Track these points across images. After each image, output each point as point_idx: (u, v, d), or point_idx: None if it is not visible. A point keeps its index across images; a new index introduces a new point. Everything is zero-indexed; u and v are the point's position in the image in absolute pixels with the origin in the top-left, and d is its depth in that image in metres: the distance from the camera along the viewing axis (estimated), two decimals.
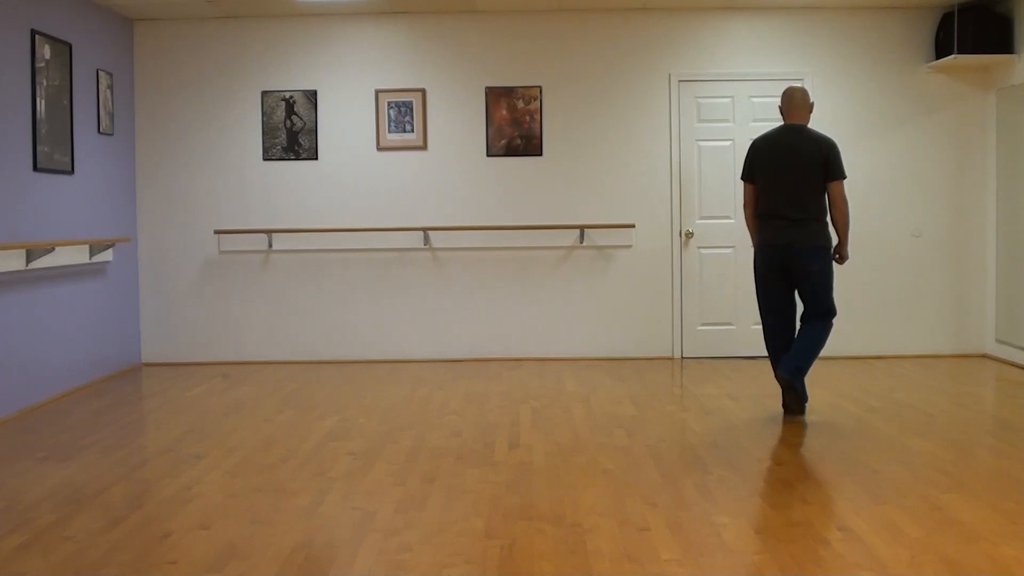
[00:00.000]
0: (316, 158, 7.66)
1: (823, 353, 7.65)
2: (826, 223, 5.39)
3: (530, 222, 7.64)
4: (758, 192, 5.48)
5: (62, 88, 6.44)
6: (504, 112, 7.61)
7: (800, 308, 6.22)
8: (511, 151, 7.60)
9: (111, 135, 7.22)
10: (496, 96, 7.61)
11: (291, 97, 7.64)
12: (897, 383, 6.52)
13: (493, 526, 3.66)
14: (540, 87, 7.60)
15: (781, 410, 5.66)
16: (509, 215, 7.64)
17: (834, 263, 6.82)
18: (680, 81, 7.60)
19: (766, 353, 6.03)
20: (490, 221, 7.63)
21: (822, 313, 5.42)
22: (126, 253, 7.50)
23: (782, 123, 5.53)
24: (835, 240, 7.29)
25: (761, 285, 5.51)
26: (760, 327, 6.10)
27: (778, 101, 7.69)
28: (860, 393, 6.17)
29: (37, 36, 6.09)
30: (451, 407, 5.90)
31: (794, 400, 5.46)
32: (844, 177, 5.34)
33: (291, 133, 7.64)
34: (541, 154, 7.62)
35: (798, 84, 7.52)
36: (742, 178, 5.60)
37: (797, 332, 5.50)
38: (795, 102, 5.47)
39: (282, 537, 3.58)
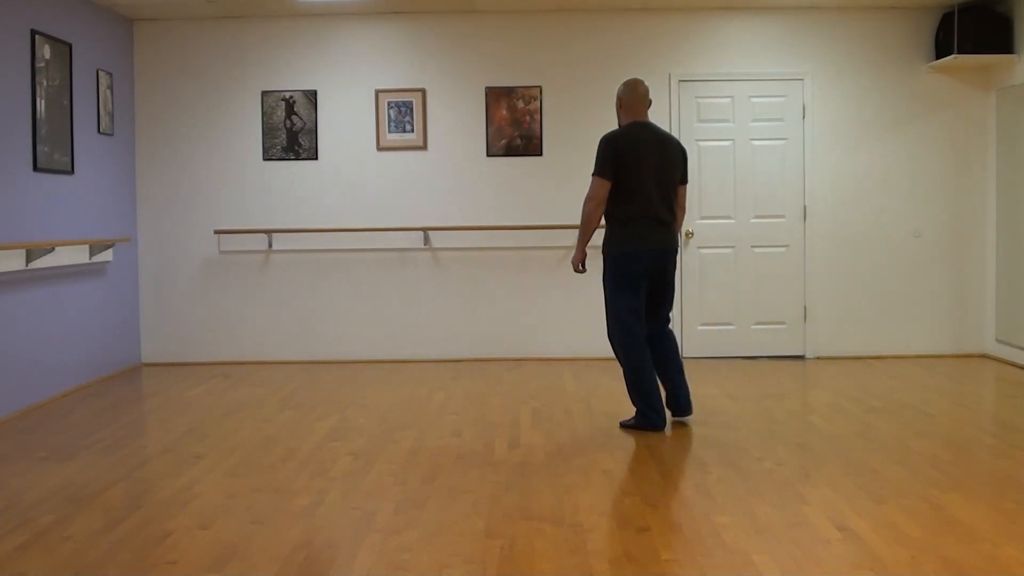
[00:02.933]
0: (316, 158, 7.66)
1: (823, 353, 7.66)
2: None
3: (530, 222, 7.64)
4: (624, 192, 5.06)
5: (62, 88, 6.44)
6: (504, 112, 7.61)
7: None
8: (511, 151, 7.60)
9: (111, 135, 7.22)
10: (496, 96, 7.61)
11: (291, 97, 7.64)
12: (897, 383, 6.52)
13: (493, 526, 3.66)
14: (540, 87, 7.60)
15: (778, 411, 5.66)
16: (509, 215, 7.64)
17: None
18: (680, 81, 7.60)
19: (633, 372, 5.17)
20: (490, 221, 7.63)
21: (668, 321, 5.33)
22: (126, 253, 7.50)
23: (633, 120, 5.17)
24: None
25: (630, 290, 5.12)
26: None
27: (786, 101, 7.67)
28: (860, 393, 6.17)
29: (37, 36, 6.09)
30: (451, 407, 5.90)
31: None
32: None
33: (291, 133, 7.64)
34: (541, 154, 7.62)
35: (801, 82, 7.53)
36: (601, 174, 5.05)
37: (666, 358, 5.25)
38: (638, 96, 5.17)
39: (282, 537, 3.58)
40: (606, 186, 5.05)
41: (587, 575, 3.16)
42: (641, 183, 5.03)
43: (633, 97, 5.17)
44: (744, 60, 7.60)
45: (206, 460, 4.70)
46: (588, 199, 5.07)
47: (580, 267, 5.22)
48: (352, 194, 7.65)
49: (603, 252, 5.18)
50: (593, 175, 5.08)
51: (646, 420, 5.18)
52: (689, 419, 5.44)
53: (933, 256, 7.65)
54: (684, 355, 7.67)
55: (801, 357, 7.66)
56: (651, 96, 5.17)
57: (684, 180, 5.23)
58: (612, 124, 7.62)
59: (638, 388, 5.15)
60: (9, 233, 5.81)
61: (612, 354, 7.67)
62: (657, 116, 7.59)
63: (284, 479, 4.35)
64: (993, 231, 7.51)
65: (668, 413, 5.40)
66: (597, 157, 5.07)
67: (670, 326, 5.29)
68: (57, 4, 6.43)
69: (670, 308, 5.31)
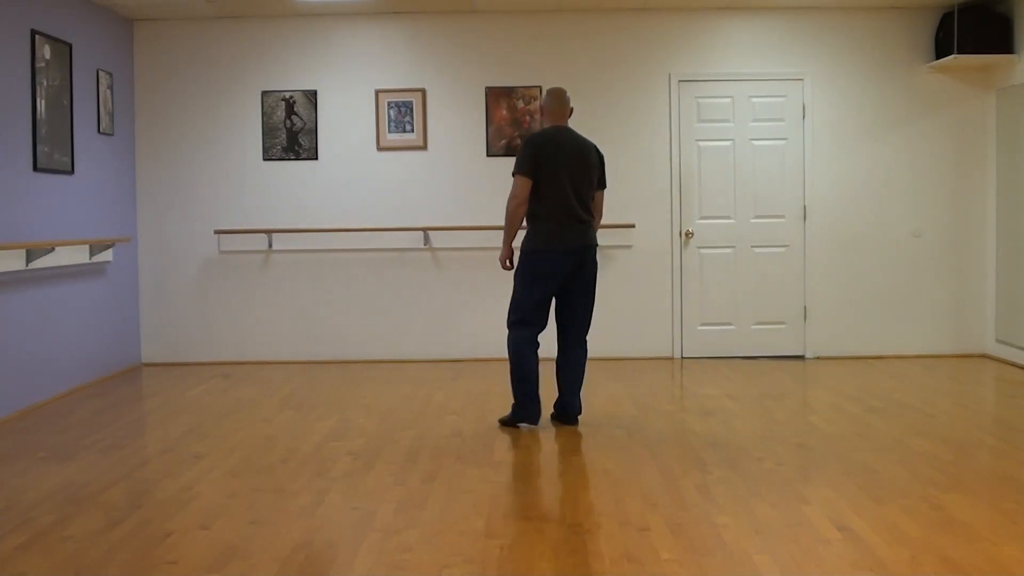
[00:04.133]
0: (316, 158, 7.66)
1: (823, 353, 7.66)
2: None
3: None
4: (544, 191, 5.09)
5: (62, 88, 6.44)
6: (504, 112, 7.61)
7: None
8: (511, 151, 7.60)
9: (111, 135, 7.22)
10: (496, 96, 7.61)
11: (291, 97, 7.63)
12: (897, 383, 6.52)
13: (493, 526, 3.66)
14: (540, 87, 7.60)
15: (778, 411, 5.66)
16: None
17: None
18: (680, 81, 7.60)
19: (517, 366, 5.23)
20: (490, 221, 7.62)
21: (584, 333, 5.32)
22: (126, 253, 7.50)
23: (552, 124, 5.25)
24: None
25: (538, 292, 5.16)
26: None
27: (786, 101, 7.69)
28: (860, 393, 6.17)
29: (37, 36, 6.09)
30: (451, 407, 5.90)
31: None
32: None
33: (291, 133, 7.64)
34: None
35: (801, 82, 7.53)
36: (523, 173, 5.08)
37: (569, 368, 5.29)
38: (561, 103, 5.27)
39: (282, 537, 3.58)
40: (527, 184, 5.10)
41: (587, 575, 3.16)
42: (559, 182, 5.10)
43: (555, 105, 5.28)
44: (744, 60, 7.60)
45: (206, 460, 4.70)
46: (511, 198, 5.13)
47: (507, 264, 5.28)
48: (352, 194, 7.65)
49: (521, 247, 5.23)
50: (514, 174, 5.14)
51: (523, 412, 5.26)
52: (688, 419, 5.45)
53: (933, 256, 7.65)
54: (684, 355, 7.68)
55: (801, 357, 7.66)
56: (566, 100, 5.29)
57: (602, 185, 5.29)
58: (612, 124, 7.62)
59: (520, 380, 5.22)
60: (9, 233, 5.81)
61: (612, 354, 7.67)
62: (657, 116, 7.59)
63: (284, 479, 4.35)
64: (993, 231, 7.51)
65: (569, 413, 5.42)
66: (518, 157, 5.15)
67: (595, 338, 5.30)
68: (57, 4, 6.43)
69: (586, 319, 5.28)
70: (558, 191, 5.10)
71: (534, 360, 5.24)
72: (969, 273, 7.64)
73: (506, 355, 7.66)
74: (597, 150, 5.27)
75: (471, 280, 7.67)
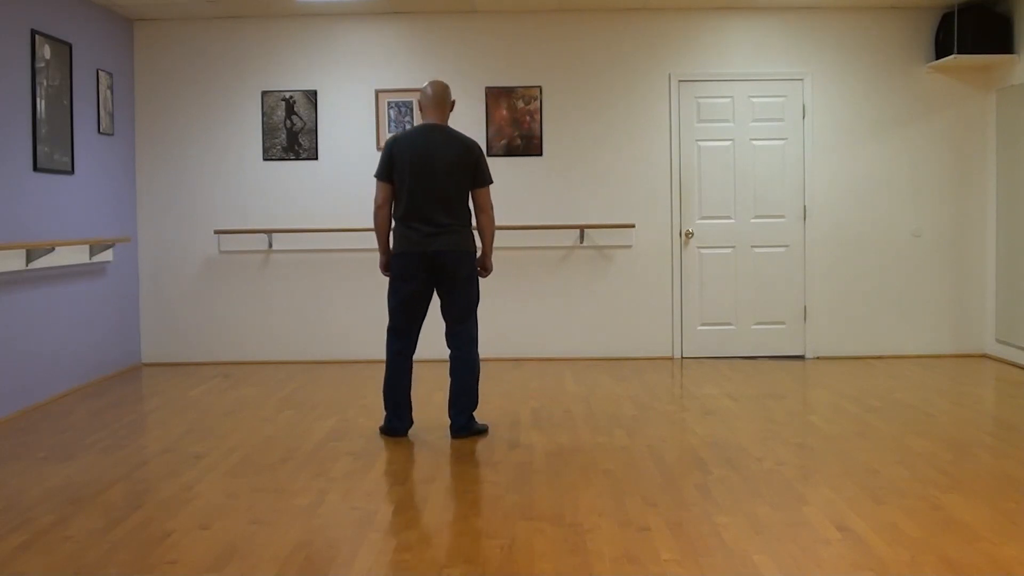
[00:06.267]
0: (316, 158, 7.66)
1: (823, 353, 7.66)
2: (472, 230, 5.05)
3: (530, 222, 7.64)
4: (398, 194, 4.98)
5: (62, 88, 6.44)
6: (504, 112, 7.61)
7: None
8: (511, 151, 7.60)
9: (111, 135, 7.22)
10: (496, 96, 7.61)
11: (291, 97, 7.64)
12: (897, 383, 6.52)
13: (493, 526, 3.66)
14: (540, 87, 7.60)
15: (778, 411, 5.66)
16: (509, 215, 7.64)
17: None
18: (680, 81, 7.60)
19: (386, 372, 5.14)
20: None
21: (468, 337, 5.05)
22: (126, 253, 7.50)
23: (423, 123, 5.07)
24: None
25: (397, 297, 5.02)
26: None
27: (786, 101, 7.70)
28: (860, 393, 6.17)
29: (37, 36, 6.09)
30: None
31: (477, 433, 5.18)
32: (491, 183, 5.06)
33: (291, 133, 7.64)
34: (541, 154, 7.62)
35: (801, 82, 7.53)
36: (377, 176, 5.01)
37: (453, 375, 5.05)
38: (436, 99, 5.04)
39: (282, 537, 3.58)
40: (384, 188, 4.99)
41: (587, 575, 3.16)
42: (411, 185, 4.92)
43: (424, 100, 5.07)
44: (744, 60, 7.60)
45: (206, 460, 4.70)
46: (374, 202, 5.05)
47: (386, 271, 5.14)
48: (352, 194, 7.65)
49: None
50: (375, 177, 5.07)
51: (387, 425, 5.16)
52: (688, 419, 5.45)
53: (933, 256, 7.65)
54: (684, 355, 7.68)
55: (801, 357, 7.66)
56: (443, 95, 5.06)
57: (481, 183, 5.03)
58: (612, 124, 7.62)
59: (385, 389, 5.12)
60: (9, 233, 5.81)
61: (612, 354, 7.68)
62: (657, 116, 7.59)
63: (284, 479, 4.35)
64: (993, 231, 7.51)
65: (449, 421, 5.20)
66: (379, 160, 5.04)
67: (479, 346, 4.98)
68: (57, 4, 6.43)
69: (458, 325, 5.05)
70: (413, 195, 4.91)
71: (400, 372, 5.06)
72: (969, 273, 7.64)
73: (505, 354, 7.69)
74: (473, 147, 5.01)
75: None
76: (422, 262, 4.95)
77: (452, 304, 5.04)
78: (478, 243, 7.33)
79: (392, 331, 5.10)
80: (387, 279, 5.83)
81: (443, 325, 7.62)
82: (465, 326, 5.06)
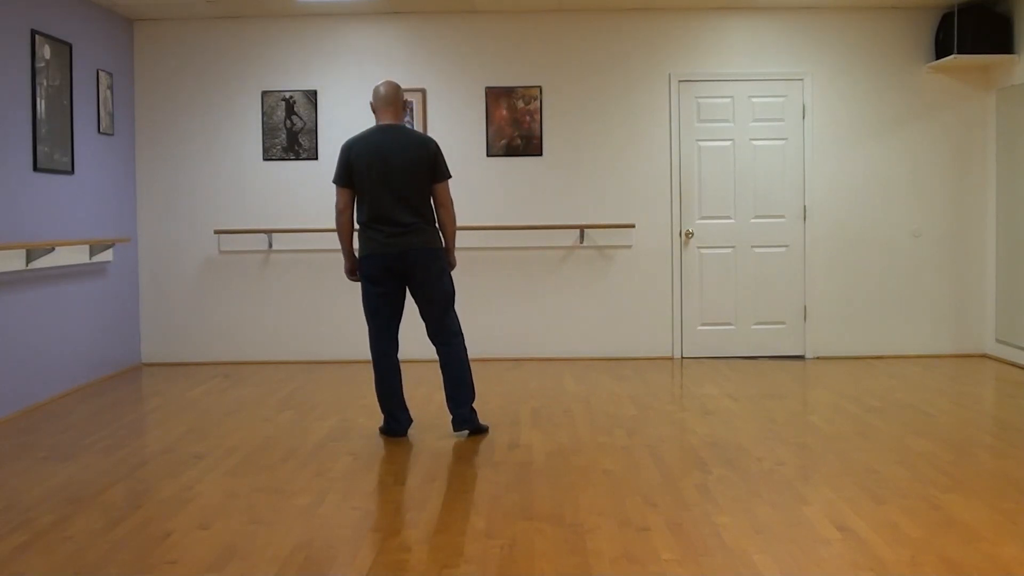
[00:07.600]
0: (316, 158, 7.66)
1: (823, 353, 7.66)
2: (436, 227, 5.05)
3: (530, 222, 7.64)
4: (359, 198, 4.98)
5: (62, 88, 6.44)
6: (504, 112, 7.61)
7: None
8: (511, 151, 7.60)
9: (111, 135, 7.22)
10: (496, 96, 7.61)
11: (291, 97, 7.64)
12: (897, 383, 6.52)
13: (493, 526, 3.66)
14: (540, 87, 7.60)
15: (778, 411, 5.66)
16: (509, 215, 7.64)
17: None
18: (680, 81, 7.60)
19: (374, 376, 5.15)
20: (490, 221, 7.63)
21: (450, 331, 5.05)
22: (126, 253, 7.50)
23: (376, 124, 5.06)
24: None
25: (372, 301, 5.01)
26: None
27: (786, 101, 7.70)
28: (860, 393, 6.17)
29: (37, 36, 6.09)
30: None
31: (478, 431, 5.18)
32: (450, 177, 5.05)
33: (291, 133, 7.64)
34: (541, 154, 7.62)
35: (801, 82, 7.53)
36: (336, 182, 5.02)
37: (444, 367, 5.06)
38: (389, 98, 5.02)
39: (282, 537, 3.58)
40: (344, 192, 5.00)
41: (587, 575, 3.16)
42: (371, 187, 4.91)
43: (377, 101, 5.05)
44: (744, 60, 7.60)
45: (206, 460, 4.70)
46: (335, 208, 5.06)
47: (351, 276, 5.16)
48: None
49: None
50: (333, 183, 5.08)
51: (385, 426, 5.18)
52: (688, 419, 5.45)
53: (933, 256, 7.65)
54: (684, 355, 7.68)
55: (801, 357, 7.66)
56: (396, 95, 5.05)
57: (439, 178, 5.00)
58: (612, 124, 7.62)
59: (377, 392, 5.12)
60: (9, 233, 5.81)
61: (612, 354, 7.68)
62: (657, 116, 7.59)
63: (284, 479, 4.35)
64: (993, 231, 7.51)
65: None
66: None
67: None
68: (57, 4, 6.43)
69: (445, 310, 5.04)
70: (375, 197, 4.91)
71: (389, 374, 5.06)
72: (969, 273, 7.64)
73: (505, 354, 7.69)
74: (429, 143, 4.99)
75: (470, 280, 7.67)
76: (390, 263, 4.95)
77: (428, 302, 5.04)
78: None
79: (372, 335, 5.09)
80: None
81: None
82: (445, 322, 5.06)
